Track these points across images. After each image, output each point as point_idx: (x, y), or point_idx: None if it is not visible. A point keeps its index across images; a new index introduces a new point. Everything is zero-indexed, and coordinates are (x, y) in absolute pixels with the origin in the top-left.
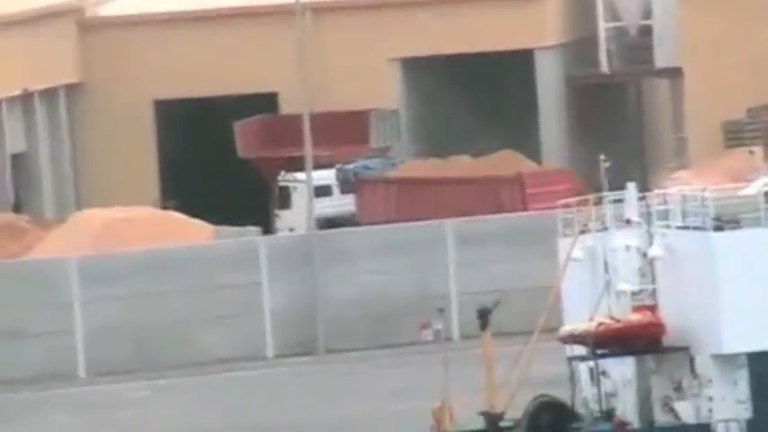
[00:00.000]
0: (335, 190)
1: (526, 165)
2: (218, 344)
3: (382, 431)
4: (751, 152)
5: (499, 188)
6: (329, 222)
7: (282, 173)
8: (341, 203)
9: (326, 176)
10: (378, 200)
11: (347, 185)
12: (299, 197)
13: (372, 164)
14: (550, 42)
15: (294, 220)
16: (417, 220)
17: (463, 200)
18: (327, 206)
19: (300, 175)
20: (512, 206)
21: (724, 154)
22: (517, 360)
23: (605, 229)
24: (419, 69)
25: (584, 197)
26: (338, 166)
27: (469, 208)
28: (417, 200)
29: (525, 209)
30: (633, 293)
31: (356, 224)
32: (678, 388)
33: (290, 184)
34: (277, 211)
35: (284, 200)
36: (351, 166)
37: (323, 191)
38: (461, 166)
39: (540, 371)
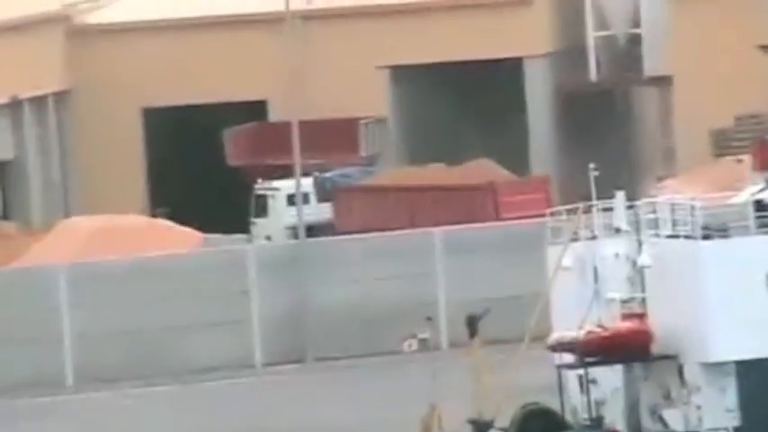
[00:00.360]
0: (313, 198)
1: (501, 173)
2: (206, 352)
3: None
4: (739, 161)
5: (472, 196)
6: (306, 230)
7: (259, 180)
8: (318, 211)
9: (304, 184)
10: (353, 208)
11: (323, 193)
12: (276, 205)
13: (349, 172)
14: (539, 51)
15: (270, 228)
16: (392, 228)
17: (437, 208)
18: (305, 214)
19: (277, 183)
20: (485, 214)
21: (712, 162)
22: (506, 368)
23: (594, 237)
24: (408, 77)
25: (573, 205)
26: (315, 173)
27: (443, 216)
28: (392, 208)
29: (498, 217)
30: (622, 301)
31: (333, 232)
32: (667, 396)
33: (267, 192)
34: (253, 219)
35: (260, 208)
36: (327, 174)
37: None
38: (437, 174)
39: (528, 379)
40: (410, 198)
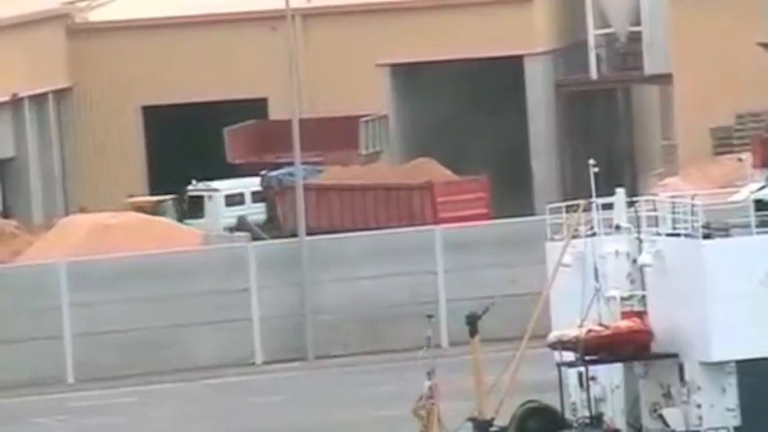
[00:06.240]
0: (248, 198)
1: (441, 173)
2: (207, 350)
3: None
4: (740, 159)
5: (410, 196)
6: (241, 230)
7: (193, 181)
8: (252, 212)
9: (239, 185)
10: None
11: (271, 192)
12: (214, 206)
13: (298, 170)
14: (540, 49)
15: (207, 229)
16: (337, 227)
17: (378, 207)
18: (239, 214)
19: (216, 184)
20: (422, 214)
21: (713, 160)
22: (506, 366)
23: (594, 234)
24: (408, 75)
25: (573, 202)
26: (263, 172)
27: (384, 215)
28: (336, 207)
29: (435, 216)
30: (622, 299)
31: (265, 231)
32: (667, 394)
33: (203, 193)
34: (188, 221)
35: (196, 209)
36: (275, 173)
37: (235, 199)
38: (381, 173)
39: (528, 377)
40: (353, 197)
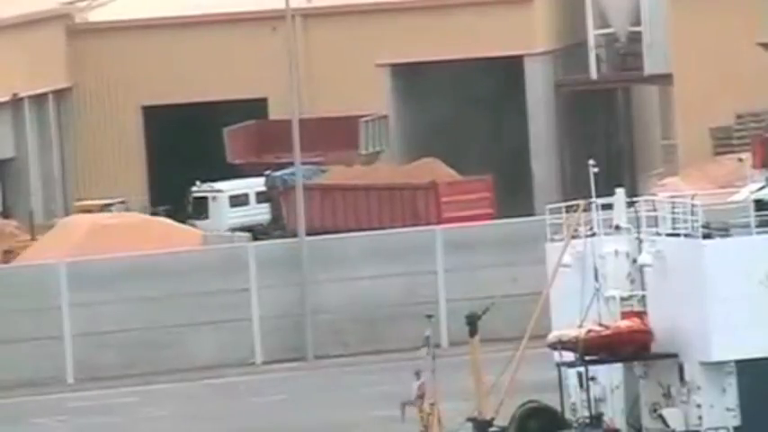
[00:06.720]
0: (252, 199)
1: (446, 173)
2: (206, 350)
3: None
4: (740, 159)
5: (415, 196)
6: (245, 231)
7: (197, 183)
8: (257, 212)
9: (243, 186)
10: (304, 207)
11: (275, 192)
12: (217, 207)
13: (302, 171)
14: (540, 49)
15: (212, 230)
16: (341, 226)
17: (382, 207)
18: (243, 215)
19: (219, 185)
20: (427, 213)
21: (713, 160)
22: (506, 366)
23: (594, 234)
24: (409, 75)
25: (573, 202)
26: (267, 172)
27: (388, 215)
28: (338, 206)
29: (440, 216)
30: (622, 299)
31: (270, 232)
32: (667, 394)
33: (207, 194)
34: (193, 222)
35: (200, 210)
36: (279, 173)
37: (239, 200)
38: (384, 173)
39: (528, 377)
40: (356, 197)
